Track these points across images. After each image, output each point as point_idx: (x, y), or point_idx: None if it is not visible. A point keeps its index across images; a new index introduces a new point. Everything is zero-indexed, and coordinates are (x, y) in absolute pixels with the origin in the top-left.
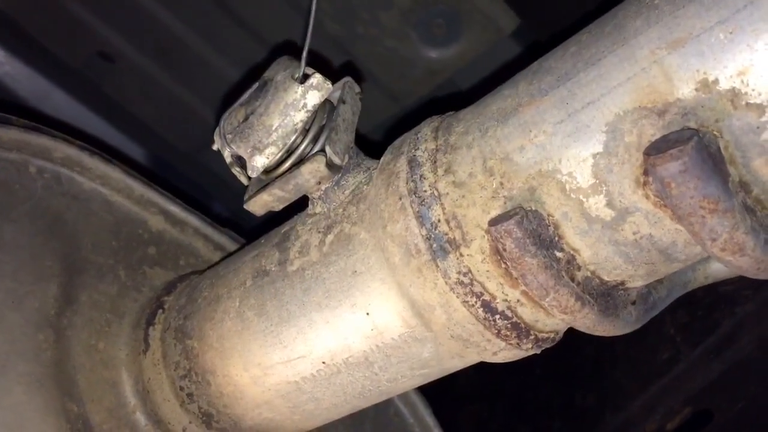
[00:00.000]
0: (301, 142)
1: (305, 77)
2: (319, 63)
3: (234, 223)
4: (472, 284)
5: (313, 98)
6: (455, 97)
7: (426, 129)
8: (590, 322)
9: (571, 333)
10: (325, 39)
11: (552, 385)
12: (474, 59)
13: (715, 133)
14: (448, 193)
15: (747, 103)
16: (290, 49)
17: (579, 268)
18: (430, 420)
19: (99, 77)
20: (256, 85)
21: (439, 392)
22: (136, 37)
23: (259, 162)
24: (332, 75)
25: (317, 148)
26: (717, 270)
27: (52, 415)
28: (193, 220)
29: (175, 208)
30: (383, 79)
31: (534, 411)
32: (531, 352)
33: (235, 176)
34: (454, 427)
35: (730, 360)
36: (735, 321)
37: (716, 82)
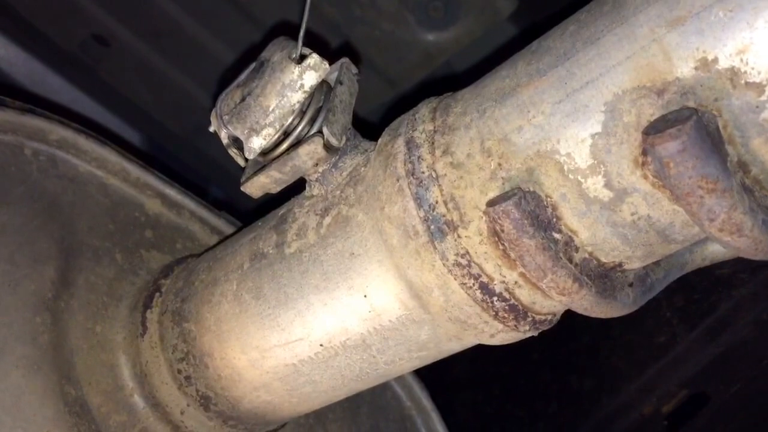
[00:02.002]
0: (298, 123)
1: (302, 58)
2: (316, 44)
3: (231, 206)
4: (469, 266)
5: (311, 79)
6: (452, 81)
7: (424, 110)
8: (588, 304)
9: (568, 316)
10: (321, 22)
11: (548, 369)
12: (472, 42)
13: (714, 112)
14: (446, 175)
15: (746, 82)
16: (287, 30)
17: (577, 250)
18: (427, 403)
19: (94, 61)
20: (253, 65)
21: (435, 376)
22: (130, 20)
23: (256, 143)
24: (329, 56)
25: (314, 129)
26: (714, 252)
27: (50, 398)
28: (189, 203)
29: (171, 192)
30: (380, 63)
31: (530, 395)
32: (528, 334)
33: (231, 160)
34: (450, 411)
35: (727, 343)
36: (731, 304)
37: (715, 60)
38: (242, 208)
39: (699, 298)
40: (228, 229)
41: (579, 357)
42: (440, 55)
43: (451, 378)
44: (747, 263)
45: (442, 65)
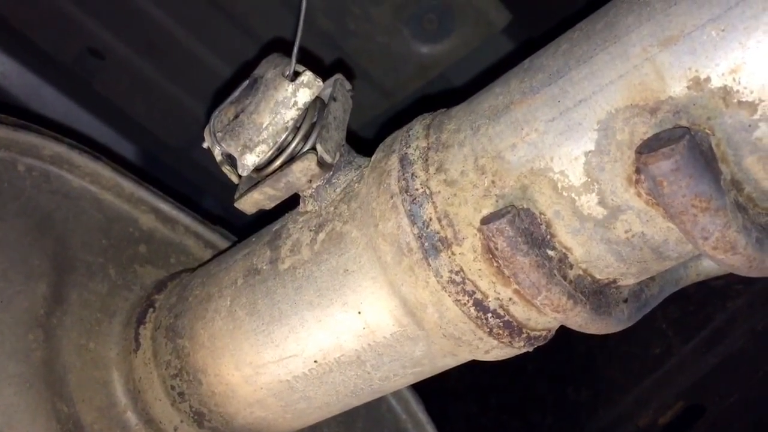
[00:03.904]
0: (292, 140)
1: (296, 75)
2: (310, 60)
3: (225, 220)
4: (464, 283)
5: (304, 96)
6: (447, 93)
7: (417, 127)
8: (582, 321)
9: (564, 329)
10: (316, 35)
11: (544, 381)
12: (466, 55)
13: (707, 131)
14: (439, 192)
15: (739, 101)
16: (281, 46)
17: (571, 267)
18: (422, 416)
19: (89, 73)
20: (246, 82)
21: (431, 388)
22: (126, 33)
23: (250, 160)
24: (323, 72)
25: (308, 146)
26: (709, 267)
27: (42, 416)
28: (183, 218)
29: (165, 206)
30: (375, 75)
31: (526, 406)
32: (523, 351)
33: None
34: (445, 423)
35: (722, 354)
36: (727, 316)
37: (708, 80)
38: (237, 222)
39: (694, 310)
40: (222, 244)
41: (575, 368)
42: (435, 67)
43: (447, 389)
44: (742, 275)
45: (436, 77)
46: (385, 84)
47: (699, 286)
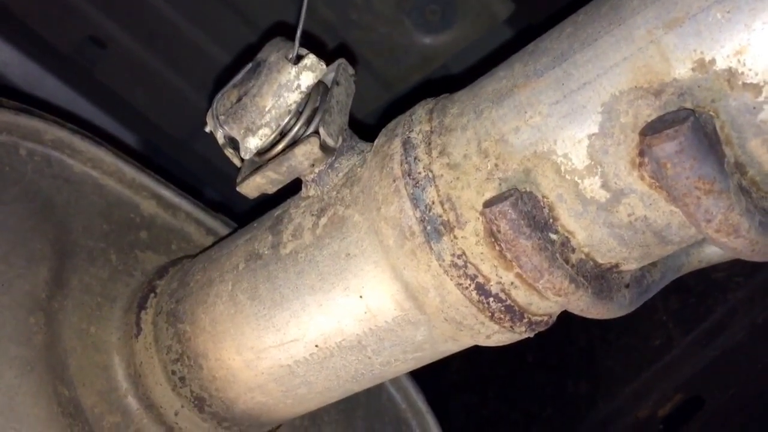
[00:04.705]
0: (295, 123)
1: (299, 58)
2: (313, 45)
3: (226, 207)
4: (466, 266)
5: (307, 79)
6: (449, 84)
7: (420, 111)
8: (584, 305)
9: (564, 319)
10: (318, 25)
11: (544, 372)
12: (468, 46)
13: (711, 113)
14: (442, 175)
15: (744, 83)
16: (284, 32)
17: (573, 251)
18: (422, 406)
19: (90, 62)
20: (249, 65)
21: (430, 379)
22: (127, 22)
23: (252, 143)
24: (326, 58)
25: (311, 129)
26: (711, 254)
27: (43, 399)
28: (185, 204)
29: (167, 193)
30: (377, 66)
31: (526, 398)
32: (524, 336)
33: (227, 162)
34: (445, 414)
35: (722, 347)
36: (727, 308)
37: (713, 62)
38: (238, 210)
39: (695, 302)
40: (224, 231)
41: (574, 360)
42: (437, 58)
43: (447, 381)
44: (743, 267)
45: (439, 68)
46: (387, 75)
47: (700, 278)
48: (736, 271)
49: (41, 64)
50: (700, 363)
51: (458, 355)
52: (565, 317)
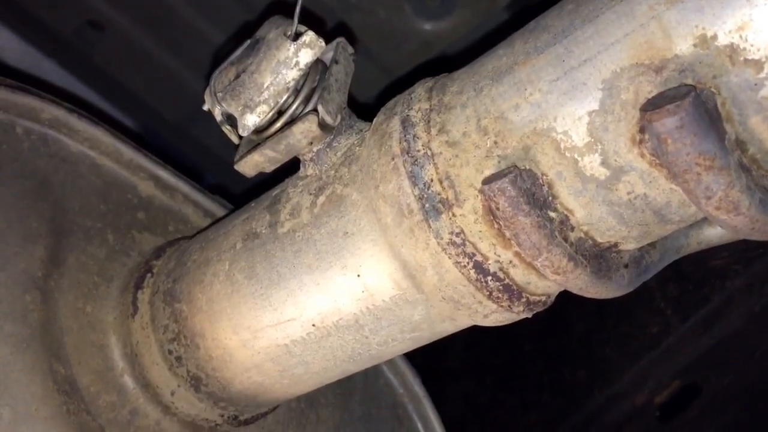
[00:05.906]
0: (293, 101)
1: (298, 35)
2: (312, 23)
3: (224, 190)
4: (464, 245)
5: (306, 56)
6: (449, 70)
7: (420, 89)
8: (582, 284)
9: (562, 306)
10: (317, 7)
11: (541, 360)
12: (468, 32)
13: (712, 89)
14: (441, 153)
15: (745, 59)
16: (282, 11)
17: (572, 229)
18: (419, 390)
19: (89, 47)
20: (248, 43)
21: (428, 365)
22: (125, 5)
23: (250, 120)
24: (325, 37)
25: (309, 107)
26: (710, 235)
27: (38, 376)
28: (183, 186)
29: (165, 174)
30: (376, 51)
31: (523, 385)
32: (522, 316)
33: (225, 147)
34: (442, 400)
35: (720, 334)
36: (725, 295)
37: (714, 37)
38: (236, 194)
39: (693, 289)
40: (221, 213)
41: (572, 348)
42: (437, 44)
43: (444, 367)
44: (741, 254)
45: (438, 54)
46: (386, 60)
47: (698, 266)
48: (734, 259)
49: (39, 47)
50: (697, 350)
51: (456, 342)
52: (563, 304)
